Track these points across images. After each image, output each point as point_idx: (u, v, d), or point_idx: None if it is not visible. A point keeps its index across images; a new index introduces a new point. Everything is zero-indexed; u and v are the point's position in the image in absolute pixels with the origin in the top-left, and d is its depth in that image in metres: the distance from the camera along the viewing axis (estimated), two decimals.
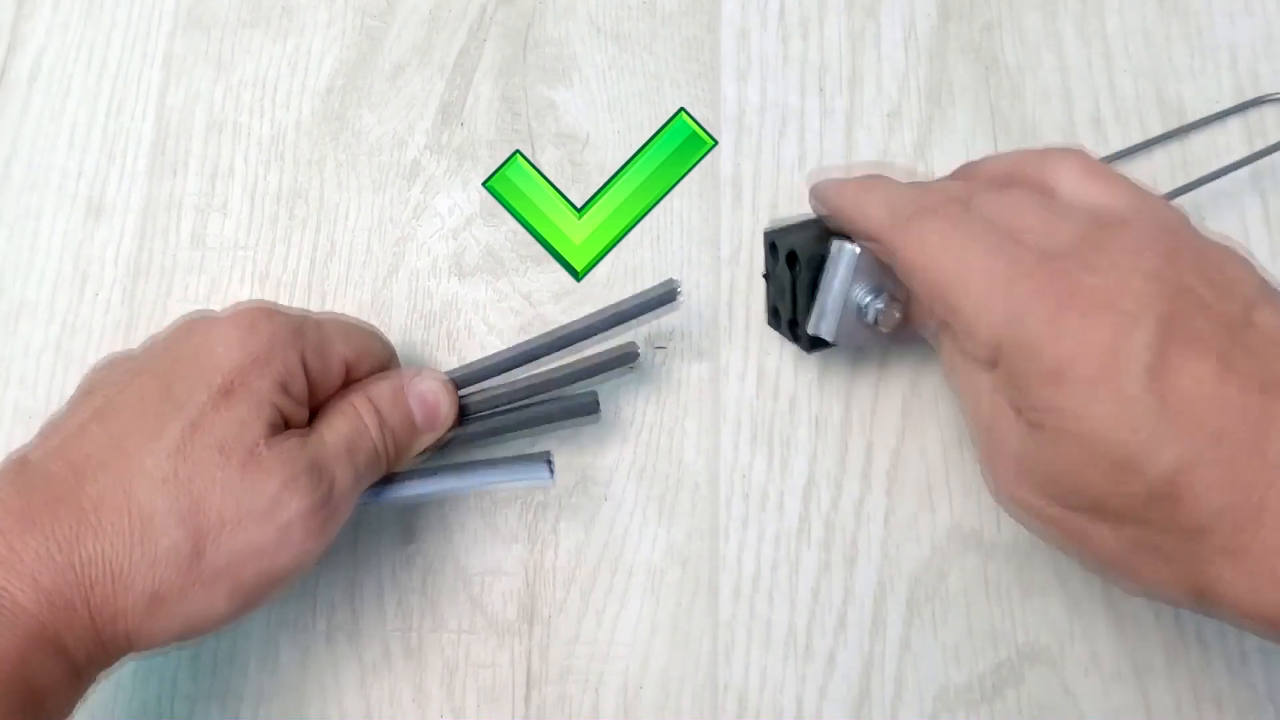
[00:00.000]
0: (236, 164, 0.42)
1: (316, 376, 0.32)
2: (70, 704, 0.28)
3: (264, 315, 0.32)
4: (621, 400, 0.39)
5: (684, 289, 0.40)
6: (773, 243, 0.37)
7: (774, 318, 0.39)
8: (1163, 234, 0.29)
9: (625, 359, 0.36)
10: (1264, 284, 0.28)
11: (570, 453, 0.39)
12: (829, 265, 0.34)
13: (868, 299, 0.34)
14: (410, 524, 0.38)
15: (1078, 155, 0.32)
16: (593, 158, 0.42)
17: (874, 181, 0.34)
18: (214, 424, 0.29)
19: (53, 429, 0.31)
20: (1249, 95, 0.42)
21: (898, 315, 0.34)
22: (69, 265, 0.41)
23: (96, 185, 0.42)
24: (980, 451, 0.31)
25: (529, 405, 0.36)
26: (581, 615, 0.37)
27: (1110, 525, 0.28)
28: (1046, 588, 0.37)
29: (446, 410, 0.35)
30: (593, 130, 0.42)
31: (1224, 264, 0.28)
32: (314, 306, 0.40)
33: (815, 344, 0.36)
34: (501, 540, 0.38)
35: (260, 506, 0.29)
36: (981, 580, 0.37)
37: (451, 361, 0.40)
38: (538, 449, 0.38)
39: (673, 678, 0.36)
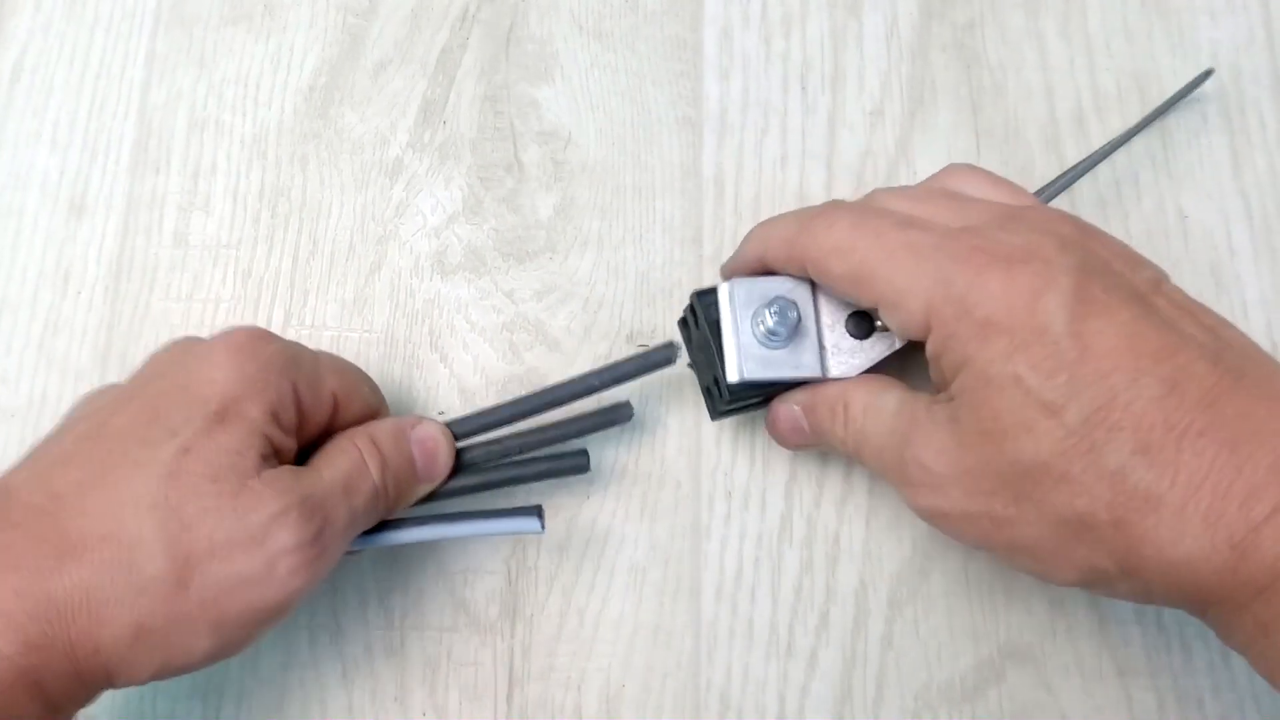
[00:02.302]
0: (219, 162, 0.42)
1: (307, 409, 0.32)
2: None
3: (259, 341, 0.31)
4: (604, 398, 0.39)
5: (672, 292, 0.40)
6: (683, 319, 0.37)
7: (710, 401, 0.37)
8: (1070, 218, 0.30)
9: (619, 418, 0.35)
10: (1167, 276, 0.30)
11: None
12: (720, 314, 0.34)
13: (761, 315, 0.33)
14: None
15: (976, 168, 0.33)
16: (575, 156, 0.42)
17: (778, 214, 0.35)
18: (206, 450, 0.29)
19: (41, 452, 0.30)
20: (1231, 94, 0.42)
21: (794, 315, 0.33)
22: (51, 264, 0.41)
23: (79, 184, 0.42)
24: (902, 465, 0.31)
25: (520, 462, 0.36)
26: (564, 613, 0.37)
27: (1033, 504, 0.28)
28: (1029, 587, 0.37)
29: (445, 459, 0.34)
30: (575, 128, 0.42)
31: (1131, 249, 0.30)
32: (296, 305, 0.40)
33: (736, 398, 0.34)
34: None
35: (248, 536, 0.28)
36: (963, 579, 0.37)
37: (434, 360, 0.40)
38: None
39: (655, 676, 0.36)
